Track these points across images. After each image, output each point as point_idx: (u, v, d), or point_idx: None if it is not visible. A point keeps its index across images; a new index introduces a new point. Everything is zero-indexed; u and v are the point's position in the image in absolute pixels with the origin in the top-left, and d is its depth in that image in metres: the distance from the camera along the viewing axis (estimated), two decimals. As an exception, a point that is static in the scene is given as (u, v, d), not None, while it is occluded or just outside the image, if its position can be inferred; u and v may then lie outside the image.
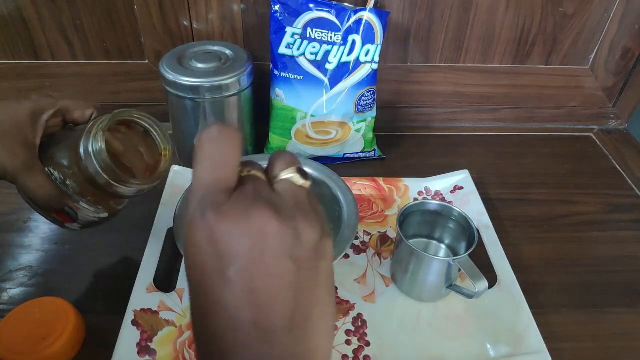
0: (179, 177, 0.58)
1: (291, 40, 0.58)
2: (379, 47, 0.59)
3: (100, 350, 0.43)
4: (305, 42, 0.58)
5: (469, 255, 0.44)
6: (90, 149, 0.38)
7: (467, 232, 0.48)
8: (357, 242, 0.55)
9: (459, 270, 0.45)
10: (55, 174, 0.40)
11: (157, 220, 0.53)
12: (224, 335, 0.22)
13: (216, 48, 0.60)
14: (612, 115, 0.77)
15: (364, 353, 0.44)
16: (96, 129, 0.38)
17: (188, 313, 0.46)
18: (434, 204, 0.51)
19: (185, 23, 0.64)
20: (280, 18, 0.58)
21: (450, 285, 0.47)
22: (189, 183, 0.57)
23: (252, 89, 0.60)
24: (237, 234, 0.21)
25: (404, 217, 0.49)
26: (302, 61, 0.59)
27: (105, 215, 0.43)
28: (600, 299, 0.51)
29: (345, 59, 0.59)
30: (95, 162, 0.38)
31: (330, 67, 0.59)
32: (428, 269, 0.46)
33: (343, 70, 0.60)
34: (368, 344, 0.45)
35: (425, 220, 0.52)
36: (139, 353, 0.42)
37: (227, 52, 0.60)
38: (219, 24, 0.64)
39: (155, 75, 0.61)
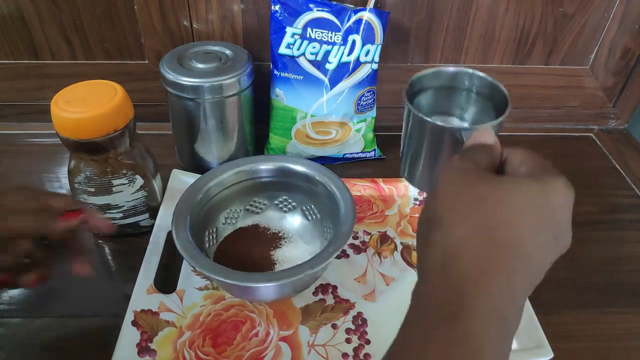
0: (179, 180, 0.58)
1: (291, 40, 0.58)
2: (379, 47, 0.59)
3: (100, 350, 0.43)
4: (305, 42, 0.58)
5: (499, 125, 0.35)
6: None
7: (495, 100, 0.38)
8: (357, 242, 0.55)
9: None
10: None
11: (157, 221, 0.53)
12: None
13: (216, 48, 0.60)
14: (612, 115, 0.77)
15: (364, 351, 0.44)
16: None
17: (188, 314, 0.46)
18: (449, 71, 0.40)
19: (185, 23, 0.64)
20: (280, 18, 0.58)
21: None
22: (187, 184, 0.57)
23: (252, 89, 0.60)
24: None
25: (414, 94, 0.40)
26: (302, 61, 0.59)
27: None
28: (600, 299, 0.51)
29: (345, 59, 0.59)
30: None
31: (330, 67, 0.59)
32: (448, 145, 0.36)
33: (343, 70, 0.60)
34: (368, 342, 0.45)
35: (440, 97, 0.42)
36: (139, 353, 0.42)
37: (227, 52, 0.60)
38: (219, 24, 0.64)
39: (155, 75, 0.61)
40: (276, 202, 0.55)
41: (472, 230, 0.26)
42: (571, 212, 0.27)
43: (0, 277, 0.37)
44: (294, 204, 0.55)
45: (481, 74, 0.39)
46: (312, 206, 0.54)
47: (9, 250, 0.36)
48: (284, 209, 0.55)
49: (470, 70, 0.39)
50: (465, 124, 0.41)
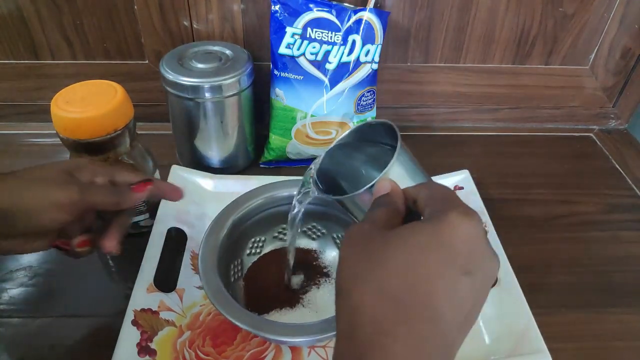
0: (179, 176, 0.58)
1: (291, 40, 0.58)
2: (379, 47, 0.59)
3: (100, 350, 0.43)
4: (305, 42, 0.58)
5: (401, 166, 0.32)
6: None
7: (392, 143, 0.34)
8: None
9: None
10: None
11: (157, 219, 0.53)
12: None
13: (216, 48, 0.60)
14: (612, 115, 0.77)
15: (364, 353, 0.44)
16: None
17: (188, 313, 0.46)
18: (348, 133, 0.38)
19: (185, 23, 0.64)
20: (280, 18, 0.58)
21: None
22: (188, 182, 0.57)
23: (252, 89, 0.60)
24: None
25: (323, 175, 0.38)
26: (302, 61, 0.59)
27: None
28: (600, 299, 0.51)
29: (345, 59, 0.59)
30: None
31: (330, 67, 0.59)
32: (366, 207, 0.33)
33: (343, 70, 0.60)
34: (368, 344, 0.45)
35: (361, 160, 0.40)
36: (139, 353, 0.42)
37: (227, 52, 0.60)
38: (219, 24, 0.64)
39: (155, 75, 0.61)
40: (333, 235, 0.52)
41: (368, 293, 0.25)
42: (481, 239, 0.26)
43: (62, 243, 0.40)
44: None
45: (373, 121, 0.37)
46: None
47: (80, 222, 0.40)
48: (339, 245, 0.52)
49: (355, 126, 0.38)
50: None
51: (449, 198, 0.28)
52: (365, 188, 0.32)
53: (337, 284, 0.27)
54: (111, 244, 0.40)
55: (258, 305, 0.47)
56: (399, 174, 0.32)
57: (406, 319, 0.24)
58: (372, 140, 0.38)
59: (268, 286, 0.49)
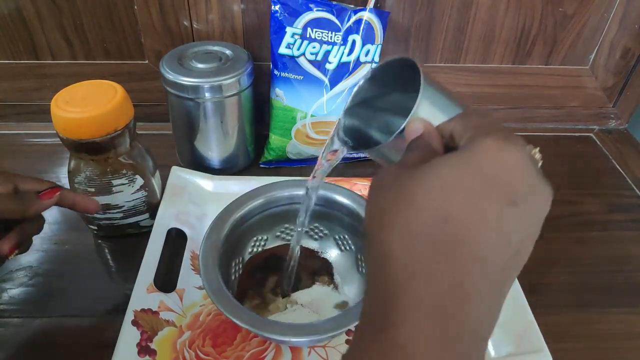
0: (179, 177, 0.58)
1: (291, 40, 0.58)
2: (379, 47, 0.59)
3: (100, 350, 0.43)
4: (305, 42, 0.58)
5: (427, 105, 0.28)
6: None
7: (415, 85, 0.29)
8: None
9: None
10: None
11: (157, 220, 0.53)
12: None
13: (216, 48, 0.60)
14: (612, 115, 0.77)
15: (364, 353, 0.44)
16: None
17: (188, 313, 0.46)
18: (364, 82, 0.33)
19: (185, 23, 0.64)
20: (280, 18, 0.58)
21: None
22: (188, 183, 0.57)
23: (252, 89, 0.60)
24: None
25: (349, 133, 0.35)
26: (302, 61, 0.59)
27: None
28: (600, 299, 0.51)
29: (345, 59, 0.59)
30: None
31: (330, 67, 0.59)
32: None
33: (343, 70, 0.60)
34: (368, 344, 0.45)
35: (380, 119, 0.36)
36: (139, 353, 0.42)
37: (227, 52, 0.60)
38: (219, 24, 0.64)
39: (155, 75, 0.61)
40: (335, 236, 0.52)
41: (395, 236, 0.23)
42: (526, 166, 0.22)
43: None
44: (352, 247, 0.51)
45: (386, 60, 0.32)
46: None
47: None
48: (341, 247, 0.52)
49: (369, 72, 0.34)
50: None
51: (486, 123, 0.24)
52: (395, 134, 0.28)
53: (367, 234, 0.25)
54: (4, 247, 0.39)
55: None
56: (429, 111, 0.28)
57: (438, 259, 0.22)
58: (394, 89, 0.34)
59: (266, 284, 0.49)
